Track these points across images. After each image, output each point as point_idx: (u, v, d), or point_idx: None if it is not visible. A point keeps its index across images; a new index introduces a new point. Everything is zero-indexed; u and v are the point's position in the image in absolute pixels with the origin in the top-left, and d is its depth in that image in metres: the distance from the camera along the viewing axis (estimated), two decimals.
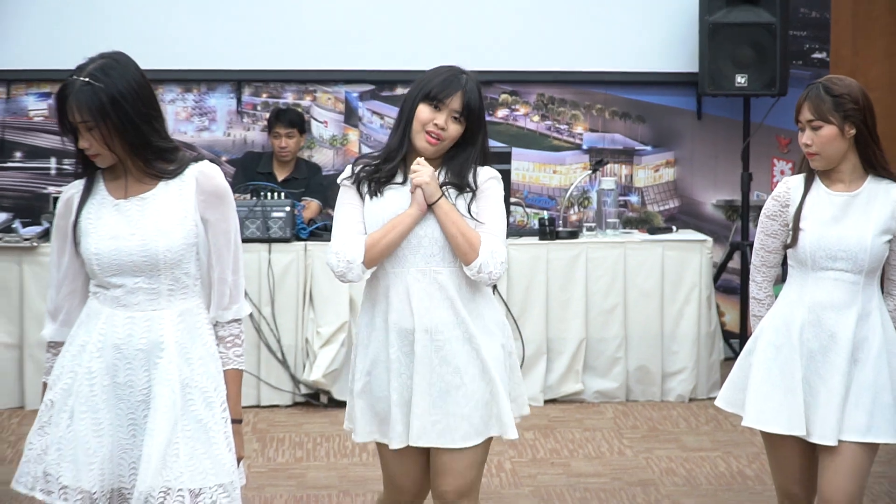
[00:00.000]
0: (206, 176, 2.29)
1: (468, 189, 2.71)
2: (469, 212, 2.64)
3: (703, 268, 5.44)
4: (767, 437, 2.92)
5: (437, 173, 2.72)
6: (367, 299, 2.80)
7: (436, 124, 2.62)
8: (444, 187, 2.71)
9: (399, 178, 2.71)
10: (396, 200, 2.72)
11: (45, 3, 5.99)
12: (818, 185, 2.88)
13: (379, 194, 2.71)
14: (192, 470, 2.27)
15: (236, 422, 2.37)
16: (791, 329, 2.86)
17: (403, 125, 2.70)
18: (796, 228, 2.82)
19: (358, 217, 2.70)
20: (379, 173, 2.70)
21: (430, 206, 2.64)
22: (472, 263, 2.58)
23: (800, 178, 2.92)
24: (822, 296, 2.82)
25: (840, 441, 2.80)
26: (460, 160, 2.74)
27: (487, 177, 2.71)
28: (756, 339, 2.95)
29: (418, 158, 2.64)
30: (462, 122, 2.68)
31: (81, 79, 2.08)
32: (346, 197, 2.75)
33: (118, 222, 2.25)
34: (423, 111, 2.64)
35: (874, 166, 2.82)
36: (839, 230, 2.81)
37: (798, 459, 2.89)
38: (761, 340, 2.92)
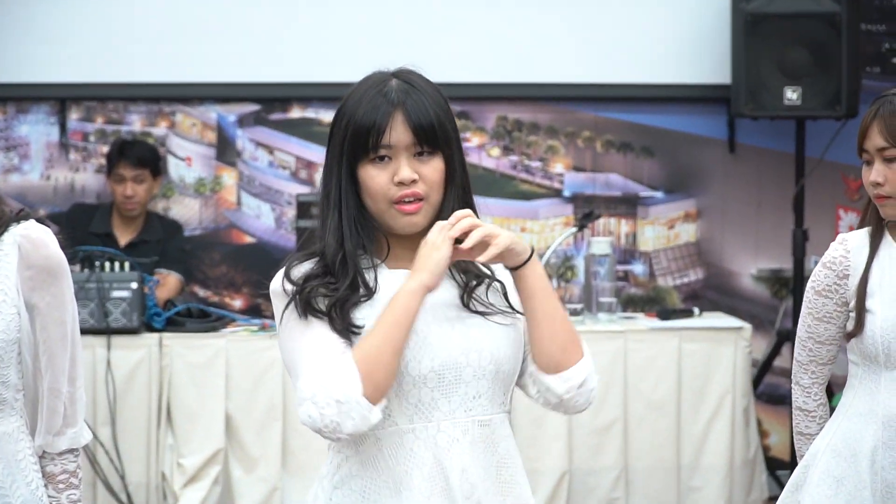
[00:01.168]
0: (34, 243, 2.16)
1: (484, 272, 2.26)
2: (509, 304, 2.17)
3: (738, 367, 5.24)
4: None
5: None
6: (358, 466, 2.26)
7: (400, 182, 2.13)
8: (464, 282, 2.25)
9: (362, 290, 2.23)
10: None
11: None
12: (890, 244, 2.77)
13: (353, 332, 2.22)
14: None
15: None
16: (858, 454, 2.77)
17: (340, 210, 2.22)
18: (861, 309, 2.73)
19: (333, 337, 2.17)
20: (338, 297, 2.21)
21: (516, 270, 2.13)
22: (570, 369, 2.13)
23: (863, 235, 2.79)
24: None
25: None
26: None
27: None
28: (807, 469, 2.87)
29: (457, 212, 2.11)
30: (433, 151, 2.20)
31: None
32: (301, 319, 2.25)
33: None
34: (370, 175, 2.18)
35: None
36: None
37: None
38: (815, 470, 2.83)
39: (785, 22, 5.64)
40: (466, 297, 2.11)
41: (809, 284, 2.89)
